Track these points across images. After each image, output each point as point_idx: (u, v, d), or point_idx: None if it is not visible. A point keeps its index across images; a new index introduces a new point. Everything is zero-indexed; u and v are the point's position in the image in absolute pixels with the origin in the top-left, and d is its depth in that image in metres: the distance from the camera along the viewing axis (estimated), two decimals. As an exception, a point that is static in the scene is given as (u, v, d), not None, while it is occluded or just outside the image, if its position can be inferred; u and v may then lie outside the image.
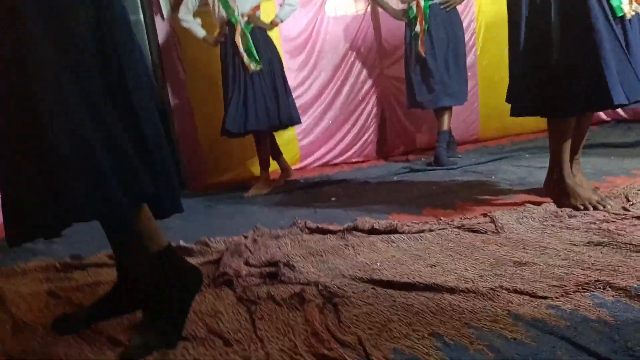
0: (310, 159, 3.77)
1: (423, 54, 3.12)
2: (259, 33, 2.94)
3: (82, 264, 1.79)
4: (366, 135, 3.81)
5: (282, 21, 3.07)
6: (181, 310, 1.14)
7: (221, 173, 3.57)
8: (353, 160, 3.80)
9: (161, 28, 3.36)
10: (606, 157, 2.69)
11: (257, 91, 2.91)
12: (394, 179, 2.88)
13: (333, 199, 2.59)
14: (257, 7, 2.95)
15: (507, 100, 1.89)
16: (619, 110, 3.77)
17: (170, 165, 1.14)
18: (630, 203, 1.71)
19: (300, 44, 3.65)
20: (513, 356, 0.87)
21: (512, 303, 1.09)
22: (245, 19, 2.89)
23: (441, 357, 0.91)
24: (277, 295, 1.31)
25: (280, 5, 3.10)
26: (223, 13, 2.90)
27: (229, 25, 2.90)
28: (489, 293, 1.14)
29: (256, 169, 3.44)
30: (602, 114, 3.84)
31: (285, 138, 3.57)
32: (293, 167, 3.71)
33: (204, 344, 1.09)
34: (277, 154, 3.25)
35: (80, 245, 2.16)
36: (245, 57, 2.87)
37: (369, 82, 3.77)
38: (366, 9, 3.70)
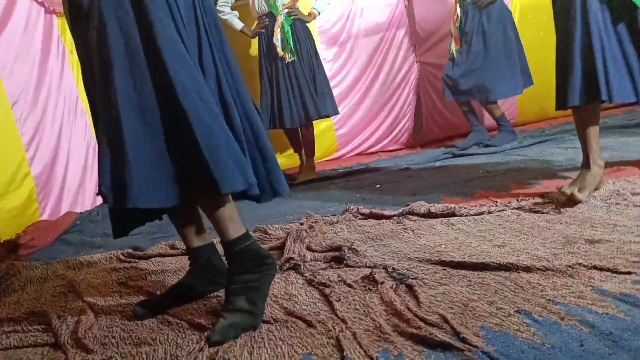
0: (346, 149, 3.79)
1: (454, 54, 3.12)
2: (300, 25, 2.96)
3: (146, 255, 1.84)
4: (402, 123, 3.80)
5: (319, 13, 3.08)
6: (262, 294, 1.17)
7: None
8: (389, 148, 3.80)
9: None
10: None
11: (294, 85, 2.94)
12: (436, 165, 2.87)
13: (377, 185, 2.59)
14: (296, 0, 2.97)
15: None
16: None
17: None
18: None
19: (335, 34, 3.64)
20: (610, 330, 0.87)
21: (593, 279, 1.08)
22: (286, 10, 2.91)
23: (533, 332, 0.92)
24: (347, 278, 1.33)
25: None
26: (263, 4, 2.92)
27: (270, 16, 2.92)
28: (568, 270, 1.13)
29: (291, 161, 3.48)
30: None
31: (322, 128, 3.58)
32: (330, 157, 3.73)
33: (287, 326, 1.11)
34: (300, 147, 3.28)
35: (134, 239, 2.22)
36: (280, 48, 2.89)
37: (404, 70, 3.75)
38: (399, -4, 3.68)
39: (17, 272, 1.91)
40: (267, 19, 2.93)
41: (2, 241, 2.17)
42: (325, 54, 3.56)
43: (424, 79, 3.74)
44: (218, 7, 3.00)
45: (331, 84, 3.43)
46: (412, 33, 3.72)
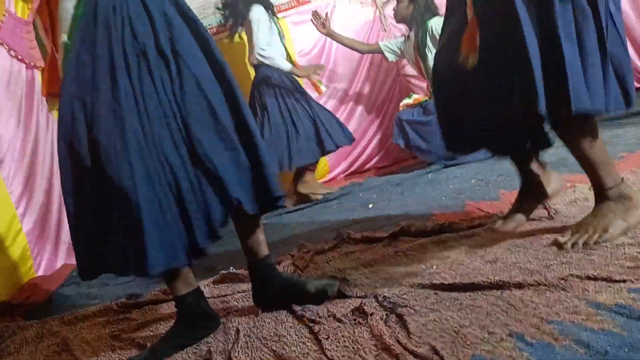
0: (338, 170, 3.76)
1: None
2: None
3: (139, 303, 1.80)
4: (392, 138, 3.77)
5: None
6: None
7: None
8: (382, 165, 3.77)
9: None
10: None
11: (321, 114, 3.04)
12: (428, 177, 2.83)
13: (370, 205, 2.56)
14: None
15: None
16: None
17: None
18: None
19: (315, 57, 3.65)
20: (606, 348, 0.82)
21: (587, 291, 1.04)
22: None
23: (527, 357, 0.87)
24: (337, 312, 1.29)
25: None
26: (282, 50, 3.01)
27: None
28: (561, 283, 1.09)
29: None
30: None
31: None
32: (322, 180, 3.71)
33: (276, 371, 1.07)
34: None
35: (130, 285, 2.19)
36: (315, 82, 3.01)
37: (387, 85, 3.75)
38: (374, 13, 3.69)
39: (12, 334, 1.88)
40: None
41: (-5, 304, 2.14)
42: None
43: (408, 92, 3.73)
44: (262, 48, 2.89)
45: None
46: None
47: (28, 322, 1.98)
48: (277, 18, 3.09)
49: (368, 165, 3.77)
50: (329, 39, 3.62)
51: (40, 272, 2.56)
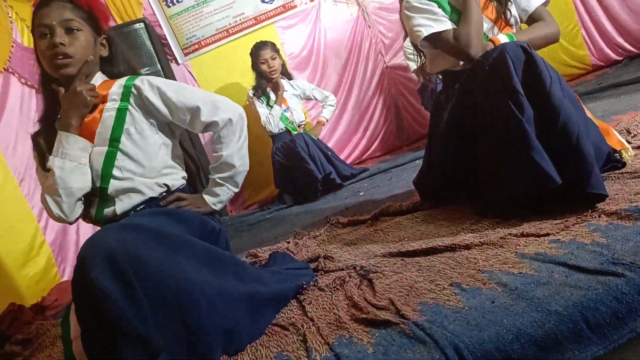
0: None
1: None
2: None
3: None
4: (385, 128, 3.97)
5: (327, 120, 3.46)
6: None
7: (257, 193, 3.81)
8: (378, 154, 3.96)
9: (178, 74, 3.65)
10: (616, 97, 2.74)
11: None
12: (416, 163, 3.02)
13: (361, 193, 2.76)
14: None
15: None
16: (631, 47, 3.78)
17: None
18: (632, 135, 1.81)
19: (305, 58, 3.85)
20: (517, 286, 1.02)
21: (519, 245, 1.23)
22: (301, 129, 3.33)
23: (459, 299, 1.07)
24: (321, 282, 1.50)
25: (323, 106, 3.47)
26: (282, 125, 3.28)
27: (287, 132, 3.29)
28: (500, 241, 1.29)
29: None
30: (612, 54, 3.84)
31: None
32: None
33: (266, 333, 1.29)
34: None
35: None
36: None
37: (377, 77, 3.94)
38: (358, 12, 3.88)
39: (46, 331, 2.12)
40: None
41: (29, 306, 2.39)
42: (298, 77, 3.77)
43: (396, 82, 3.92)
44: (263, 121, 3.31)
45: (309, 105, 3.66)
46: (376, 42, 3.91)
47: (59, 320, 2.22)
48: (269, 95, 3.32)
49: (365, 156, 3.96)
50: (316, 39, 3.82)
51: (65, 278, 2.81)
